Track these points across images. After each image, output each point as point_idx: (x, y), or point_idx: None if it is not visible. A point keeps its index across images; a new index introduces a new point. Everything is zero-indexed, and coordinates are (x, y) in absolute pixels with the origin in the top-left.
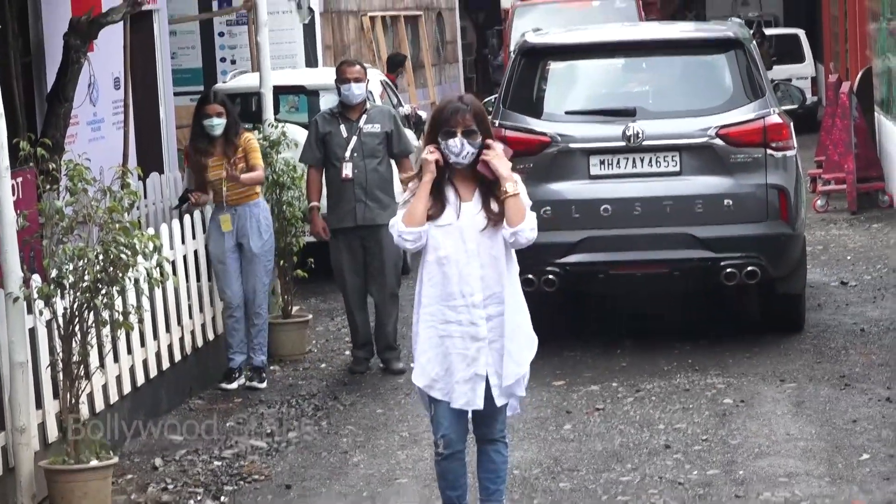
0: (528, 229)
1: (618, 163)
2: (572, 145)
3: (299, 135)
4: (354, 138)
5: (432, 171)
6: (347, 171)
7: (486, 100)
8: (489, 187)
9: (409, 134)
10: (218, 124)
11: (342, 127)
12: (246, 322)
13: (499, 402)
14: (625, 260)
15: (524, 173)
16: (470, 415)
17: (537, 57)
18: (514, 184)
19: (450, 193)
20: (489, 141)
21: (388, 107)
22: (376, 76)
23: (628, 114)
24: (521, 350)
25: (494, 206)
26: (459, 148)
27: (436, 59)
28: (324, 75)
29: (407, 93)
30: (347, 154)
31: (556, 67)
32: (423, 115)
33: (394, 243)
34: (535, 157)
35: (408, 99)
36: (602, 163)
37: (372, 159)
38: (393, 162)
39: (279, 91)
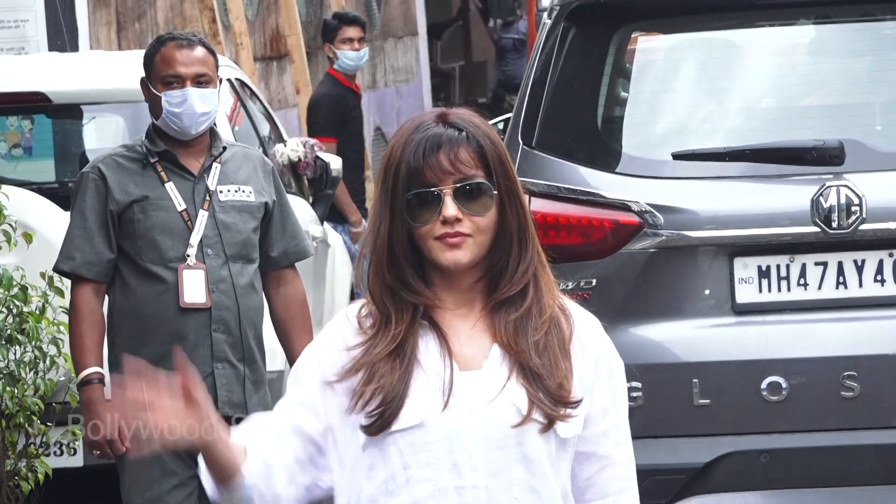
0: None
1: (802, 275)
2: (693, 234)
3: (36, 210)
4: (204, 214)
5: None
6: (196, 289)
7: (492, 121)
8: (525, 322)
9: (300, 207)
10: None
11: (169, 187)
12: None
13: None
14: None
15: (581, 297)
16: None
17: (607, 22)
18: None
19: (426, 344)
20: None
21: (255, 150)
22: (225, 72)
23: (825, 158)
24: None
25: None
26: (453, 227)
27: (365, 30)
28: (95, 72)
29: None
30: (192, 250)
31: (651, 49)
32: (335, 162)
33: None
34: (607, 262)
35: (298, 126)
36: (764, 275)
37: (244, 265)
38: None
39: None
